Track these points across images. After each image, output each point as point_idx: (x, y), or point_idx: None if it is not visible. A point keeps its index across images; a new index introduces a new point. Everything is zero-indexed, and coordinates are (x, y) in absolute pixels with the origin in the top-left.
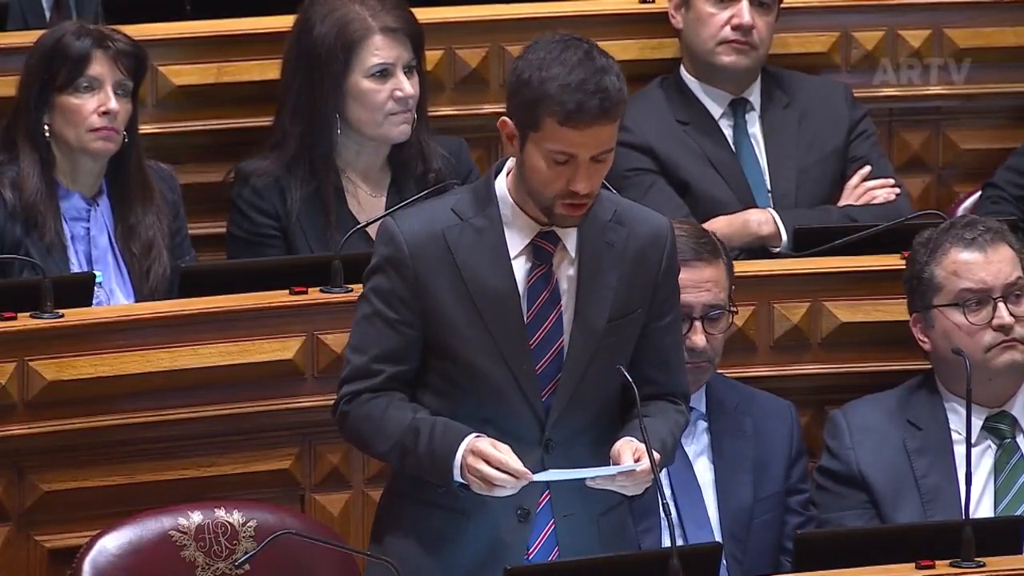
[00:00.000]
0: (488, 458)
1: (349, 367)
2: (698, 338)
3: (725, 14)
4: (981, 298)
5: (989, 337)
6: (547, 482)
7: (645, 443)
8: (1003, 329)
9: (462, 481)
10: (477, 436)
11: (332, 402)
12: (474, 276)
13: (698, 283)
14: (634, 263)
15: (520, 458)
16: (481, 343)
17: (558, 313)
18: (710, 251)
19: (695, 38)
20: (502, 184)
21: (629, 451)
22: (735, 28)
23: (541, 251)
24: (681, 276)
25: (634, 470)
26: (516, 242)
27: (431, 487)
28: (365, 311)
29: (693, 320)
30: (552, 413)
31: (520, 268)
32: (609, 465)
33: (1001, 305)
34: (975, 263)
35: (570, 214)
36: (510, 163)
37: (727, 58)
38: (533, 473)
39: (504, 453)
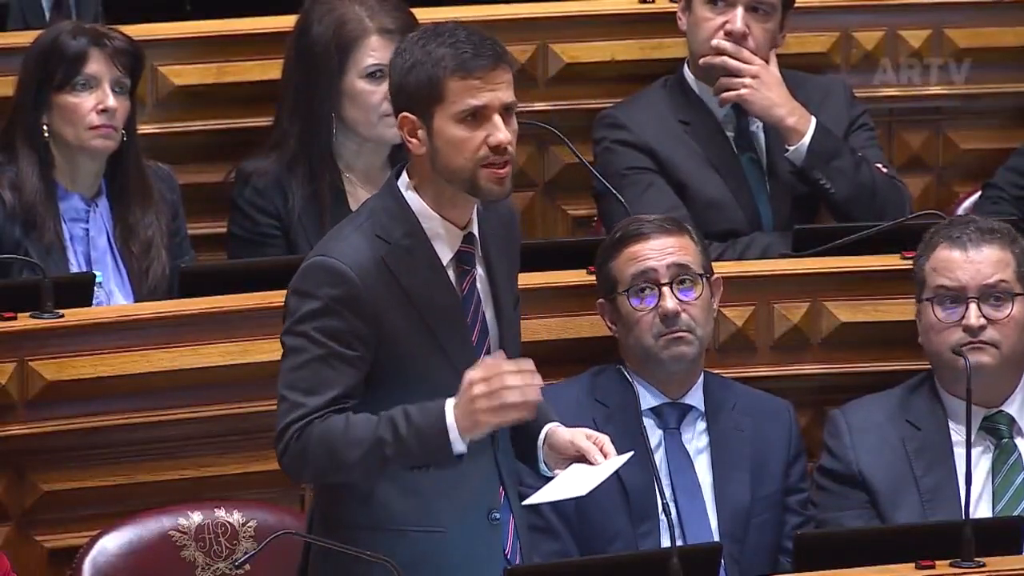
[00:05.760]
0: (486, 376)
1: (302, 409)
2: (667, 302)
3: (719, 19)
4: (955, 296)
5: (957, 336)
6: (501, 477)
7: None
8: (970, 330)
9: (461, 450)
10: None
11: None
12: (421, 296)
13: (659, 250)
14: (506, 247)
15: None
16: (437, 360)
17: (483, 312)
18: (674, 225)
19: (692, 41)
20: (413, 197)
21: (595, 449)
22: (727, 34)
23: (465, 255)
24: (643, 248)
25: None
26: (445, 253)
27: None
28: (316, 353)
29: (661, 286)
30: None
31: (452, 277)
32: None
33: (973, 306)
34: (954, 261)
35: (496, 177)
36: (406, 176)
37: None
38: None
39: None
